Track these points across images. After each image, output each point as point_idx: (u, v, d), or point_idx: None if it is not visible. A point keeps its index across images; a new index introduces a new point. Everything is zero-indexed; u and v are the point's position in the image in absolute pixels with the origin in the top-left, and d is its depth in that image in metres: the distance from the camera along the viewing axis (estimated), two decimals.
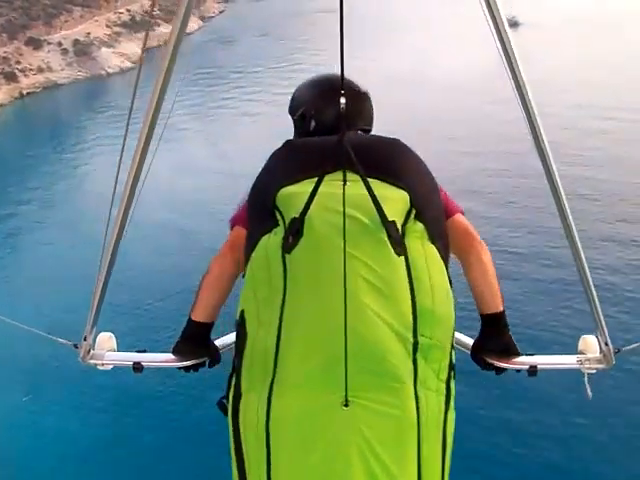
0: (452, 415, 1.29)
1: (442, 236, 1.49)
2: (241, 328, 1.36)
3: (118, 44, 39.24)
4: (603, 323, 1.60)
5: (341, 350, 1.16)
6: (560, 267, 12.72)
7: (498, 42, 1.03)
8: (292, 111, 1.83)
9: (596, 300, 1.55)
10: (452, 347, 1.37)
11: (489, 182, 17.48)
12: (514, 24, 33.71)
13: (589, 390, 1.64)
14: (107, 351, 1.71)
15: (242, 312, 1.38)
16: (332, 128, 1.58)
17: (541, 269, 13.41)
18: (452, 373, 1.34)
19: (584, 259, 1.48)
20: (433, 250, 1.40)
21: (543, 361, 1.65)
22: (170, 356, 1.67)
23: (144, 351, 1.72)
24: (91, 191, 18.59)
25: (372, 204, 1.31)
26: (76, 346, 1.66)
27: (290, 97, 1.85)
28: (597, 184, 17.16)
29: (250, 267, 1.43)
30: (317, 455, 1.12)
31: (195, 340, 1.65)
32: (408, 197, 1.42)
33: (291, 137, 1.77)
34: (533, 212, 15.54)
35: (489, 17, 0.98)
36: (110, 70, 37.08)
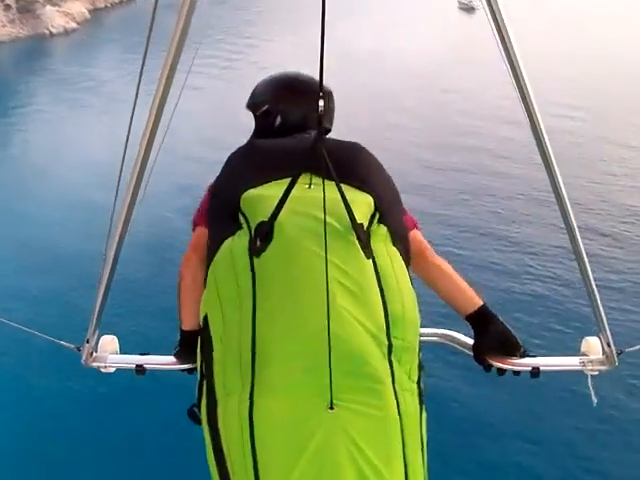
0: (425, 415, 1.31)
1: (403, 239, 1.52)
2: (205, 332, 1.35)
3: (64, 3, 36.59)
4: (605, 324, 1.60)
5: (322, 353, 1.16)
6: (506, 274, 12.10)
7: (499, 41, 1.04)
8: (254, 107, 1.82)
9: (598, 301, 1.54)
10: (420, 348, 1.38)
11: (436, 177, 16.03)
12: (470, 9, 33.61)
13: (593, 393, 1.63)
14: (110, 354, 1.71)
15: (205, 316, 1.37)
16: (296, 127, 1.59)
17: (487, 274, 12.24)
18: (421, 373, 1.35)
19: (586, 261, 1.48)
20: (396, 253, 1.43)
21: (545, 362, 1.65)
22: (172, 359, 1.68)
23: (147, 354, 1.72)
24: (26, 162, 17.72)
25: (341, 207, 1.32)
26: (79, 349, 1.66)
27: (251, 93, 1.84)
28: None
29: (212, 270, 1.41)
30: (306, 459, 1.12)
31: (192, 347, 1.64)
32: (372, 200, 1.45)
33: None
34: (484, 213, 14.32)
35: (489, 16, 0.99)
36: (54, 30, 34.52)
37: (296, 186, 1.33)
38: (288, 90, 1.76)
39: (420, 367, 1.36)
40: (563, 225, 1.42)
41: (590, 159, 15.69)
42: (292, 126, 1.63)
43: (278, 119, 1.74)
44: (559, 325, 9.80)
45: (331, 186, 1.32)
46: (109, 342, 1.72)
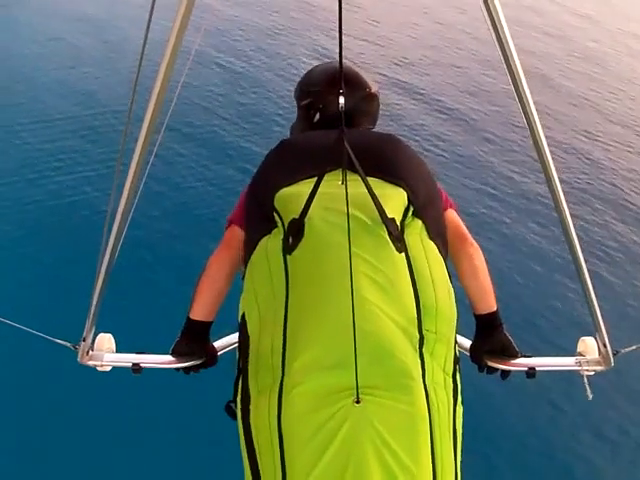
0: (460, 409, 1.30)
1: (441, 233, 1.51)
2: (243, 330, 1.36)
3: None
4: (602, 325, 1.61)
5: (350, 348, 1.16)
6: None
7: (496, 40, 1.04)
8: (298, 97, 1.84)
9: (594, 301, 1.55)
10: (456, 341, 1.37)
11: None
12: None
13: (589, 391, 1.64)
14: (106, 352, 1.70)
15: (243, 315, 1.38)
16: (338, 125, 1.60)
17: None
18: (457, 367, 1.35)
19: (582, 260, 1.49)
20: (432, 246, 1.42)
21: (541, 362, 1.66)
22: (169, 357, 1.67)
23: (143, 352, 1.72)
24: None
25: (372, 202, 1.33)
26: (75, 347, 1.65)
27: (300, 80, 1.86)
28: None
29: (250, 269, 1.43)
30: (332, 452, 1.12)
31: (194, 339, 1.65)
32: (406, 195, 1.44)
33: None
34: None
35: (487, 15, 1.00)
36: None
37: (329, 182, 1.33)
38: (332, 87, 1.68)
39: (456, 360, 1.35)
40: (561, 224, 1.43)
41: None
42: (331, 123, 1.60)
43: (317, 115, 1.75)
44: None
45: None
46: (106, 340, 1.72)
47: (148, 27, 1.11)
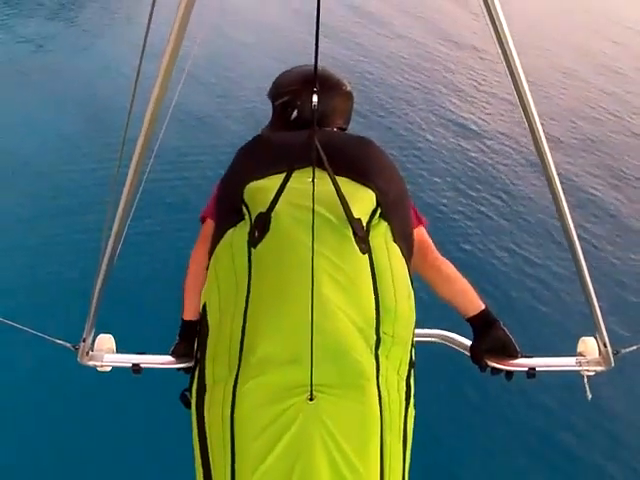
0: (412, 412, 1.30)
1: (406, 237, 1.51)
2: (203, 320, 1.38)
3: None
4: (602, 325, 1.60)
5: (306, 344, 1.16)
6: None
7: (495, 38, 1.04)
8: (273, 96, 1.85)
9: (595, 301, 1.55)
10: (412, 345, 1.38)
11: None
12: None
13: (589, 391, 1.64)
14: (106, 352, 1.71)
15: (204, 305, 1.39)
16: (311, 122, 1.61)
17: None
18: (412, 370, 1.36)
19: (583, 261, 1.48)
20: (396, 249, 1.42)
21: (542, 363, 1.66)
22: (169, 358, 1.68)
23: (143, 353, 1.72)
24: None
25: (339, 201, 1.33)
26: (75, 347, 1.65)
27: (273, 81, 1.88)
28: None
29: (214, 260, 1.45)
30: (281, 447, 1.12)
31: (191, 340, 1.65)
32: (374, 195, 1.45)
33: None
34: None
35: (486, 13, 0.99)
36: None
37: (299, 179, 1.34)
38: (309, 85, 1.71)
39: (411, 364, 1.36)
40: (561, 224, 1.42)
41: None
42: (308, 121, 1.62)
43: (295, 113, 1.77)
44: None
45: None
46: (105, 341, 1.72)
47: (148, 27, 1.11)
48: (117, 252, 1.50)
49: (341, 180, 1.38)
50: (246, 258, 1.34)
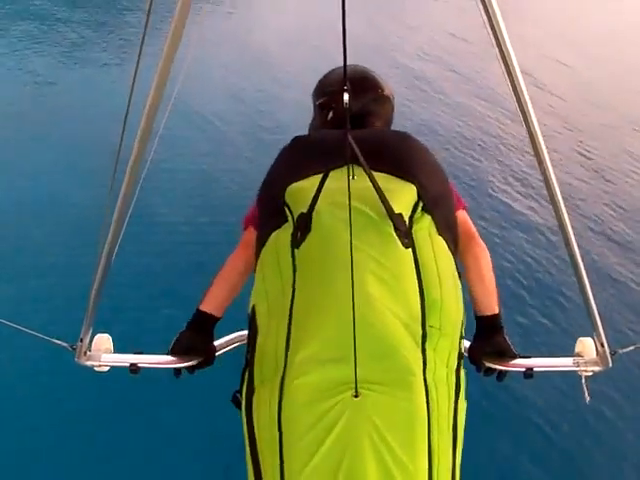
0: (463, 405, 1.29)
1: (451, 228, 1.51)
2: (252, 322, 1.38)
3: None
4: (599, 325, 1.61)
5: (351, 343, 1.16)
6: None
7: (492, 38, 1.04)
8: (316, 96, 1.87)
9: (592, 302, 1.55)
10: (461, 337, 1.37)
11: None
12: None
13: (587, 392, 1.64)
14: (103, 352, 1.70)
15: (253, 307, 1.40)
16: (350, 123, 1.61)
17: None
18: (461, 362, 1.34)
19: (580, 260, 1.49)
20: (441, 241, 1.42)
21: (539, 363, 1.66)
22: (167, 357, 1.67)
23: (141, 352, 1.72)
24: None
25: (378, 197, 1.33)
26: (72, 347, 1.65)
27: (319, 80, 1.89)
28: None
29: (260, 262, 1.45)
30: (328, 445, 1.12)
31: (197, 331, 1.66)
32: (415, 190, 1.44)
33: None
34: None
35: (483, 13, 0.99)
36: None
37: (339, 177, 1.33)
38: (352, 87, 1.68)
39: (461, 355, 1.35)
40: (558, 224, 1.42)
41: None
42: (343, 122, 1.65)
43: (330, 114, 1.78)
44: None
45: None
46: (103, 341, 1.72)
47: (146, 28, 1.10)
48: (114, 252, 1.50)
49: (380, 176, 1.37)
50: (290, 259, 1.34)
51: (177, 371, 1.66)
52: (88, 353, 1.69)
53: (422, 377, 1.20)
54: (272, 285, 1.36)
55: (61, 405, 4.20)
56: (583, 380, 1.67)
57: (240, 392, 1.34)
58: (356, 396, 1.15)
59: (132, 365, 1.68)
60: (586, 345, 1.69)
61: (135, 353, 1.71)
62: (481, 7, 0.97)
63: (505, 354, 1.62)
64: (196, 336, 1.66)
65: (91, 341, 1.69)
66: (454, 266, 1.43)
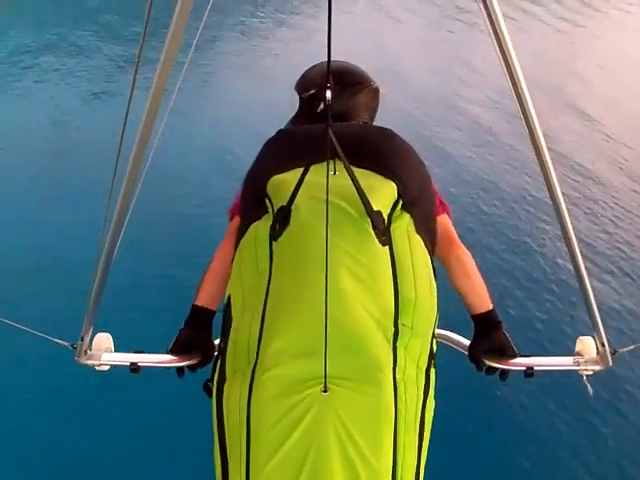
0: (431, 404, 1.29)
1: (429, 229, 1.51)
2: (227, 312, 1.38)
3: None
4: (600, 324, 1.60)
5: (322, 337, 1.15)
6: None
7: (494, 39, 1.04)
8: (301, 89, 1.88)
9: (592, 301, 1.55)
10: (433, 337, 1.37)
11: None
12: None
13: (590, 389, 1.64)
14: (104, 352, 1.70)
15: (229, 297, 1.40)
16: (336, 115, 1.60)
17: None
18: (432, 362, 1.34)
19: (580, 260, 1.49)
20: (418, 240, 1.42)
21: (540, 362, 1.66)
22: (167, 356, 1.67)
23: (141, 351, 1.71)
24: None
25: (357, 194, 1.33)
26: (73, 346, 1.65)
27: (301, 75, 1.90)
28: None
29: (238, 253, 1.46)
30: (294, 439, 1.12)
31: (196, 327, 1.66)
32: (396, 187, 1.44)
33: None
34: None
35: (484, 14, 0.99)
36: None
37: (320, 172, 1.32)
38: (337, 80, 1.75)
39: (432, 355, 1.35)
40: (559, 223, 1.42)
41: None
42: (333, 115, 1.65)
43: (321, 105, 1.79)
44: None
45: (355, 173, 1.33)
46: (104, 340, 1.71)
47: (146, 28, 1.10)
48: (115, 252, 1.50)
49: (362, 172, 1.37)
50: (268, 251, 1.34)
51: (179, 370, 1.66)
52: (88, 352, 1.69)
53: (392, 375, 1.20)
54: (248, 276, 1.37)
55: (61, 405, 4.20)
56: (584, 378, 1.67)
57: (212, 380, 1.34)
58: (325, 391, 1.15)
59: (132, 364, 1.67)
60: (586, 344, 1.69)
61: (136, 352, 1.71)
62: (481, 7, 0.97)
63: (505, 351, 1.61)
64: (195, 332, 1.65)
65: (92, 340, 1.69)
66: (430, 266, 1.43)
